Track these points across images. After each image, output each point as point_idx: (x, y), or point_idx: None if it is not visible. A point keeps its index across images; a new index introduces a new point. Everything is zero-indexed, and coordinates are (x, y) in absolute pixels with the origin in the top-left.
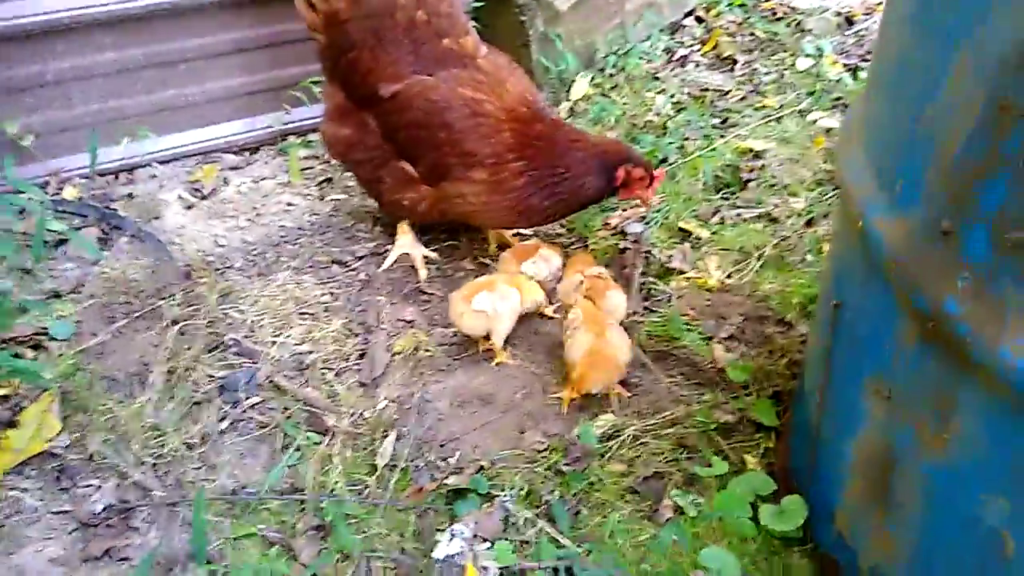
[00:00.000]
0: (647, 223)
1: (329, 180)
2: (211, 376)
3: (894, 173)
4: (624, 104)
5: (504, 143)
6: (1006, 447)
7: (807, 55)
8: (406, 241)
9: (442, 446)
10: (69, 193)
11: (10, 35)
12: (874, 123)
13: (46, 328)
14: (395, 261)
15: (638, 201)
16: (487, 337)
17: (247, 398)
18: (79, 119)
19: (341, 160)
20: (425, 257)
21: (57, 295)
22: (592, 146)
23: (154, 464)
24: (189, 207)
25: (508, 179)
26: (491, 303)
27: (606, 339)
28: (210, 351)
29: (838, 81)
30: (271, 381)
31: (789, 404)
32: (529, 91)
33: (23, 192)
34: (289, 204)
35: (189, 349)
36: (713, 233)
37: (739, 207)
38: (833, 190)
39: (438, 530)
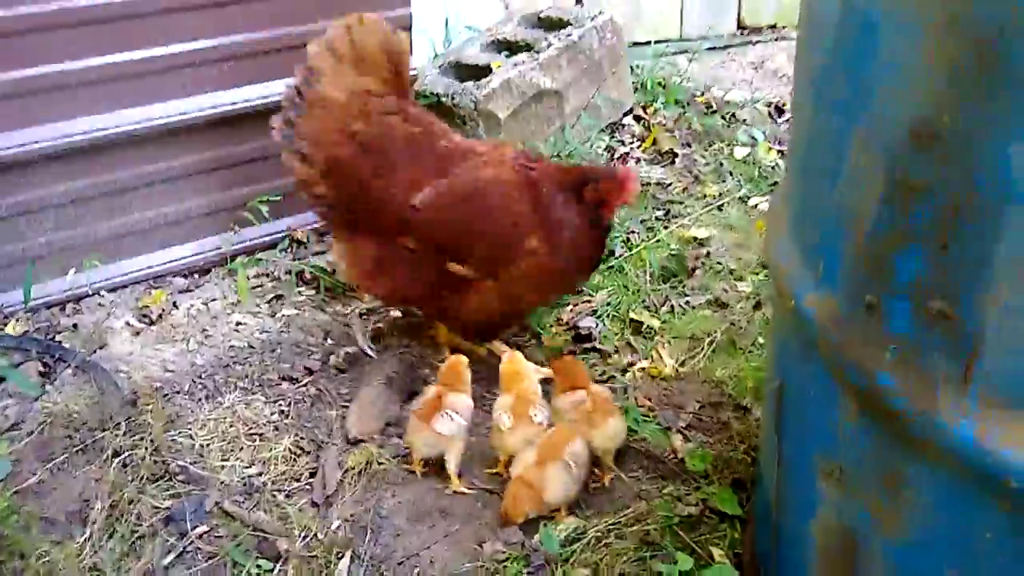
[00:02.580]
0: (598, 317)
1: (279, 297)
2: (156, 507)
3: (816, 251)
4: None
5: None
6: (958, 518)
7: (743, 143)
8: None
9: (400, 564)
10: (12, 328)
11: None
12: (794, 201)
13: None
14: None
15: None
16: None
17: (194, 527)
18: (27, 252)
19: (403, 306)
20: None
21: None
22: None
23: None
24: (137, 334)
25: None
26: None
27: (541, 471)
28: (155, 481)
29: (774, 167)
30: (220, 507)
31: (751, 491)
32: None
33: None
34: (239, 324)
35: (132, 481)
36: (663, 322)
37: (687, 295)
38: None
39: None
